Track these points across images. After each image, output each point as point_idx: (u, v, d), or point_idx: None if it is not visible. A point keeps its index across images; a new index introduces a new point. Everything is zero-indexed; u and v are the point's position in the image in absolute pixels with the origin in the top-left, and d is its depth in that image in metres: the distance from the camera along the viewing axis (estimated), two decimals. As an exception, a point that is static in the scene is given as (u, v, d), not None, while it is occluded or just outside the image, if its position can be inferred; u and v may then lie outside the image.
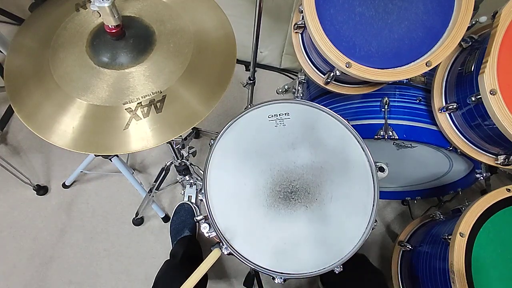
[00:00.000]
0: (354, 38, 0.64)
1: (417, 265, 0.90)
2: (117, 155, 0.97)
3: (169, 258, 1.01)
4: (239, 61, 1.46)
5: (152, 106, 0.53)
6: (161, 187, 1.11)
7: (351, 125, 0.67)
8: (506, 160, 0.73)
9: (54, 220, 1.18)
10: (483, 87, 0.61)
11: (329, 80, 0.74)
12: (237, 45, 0.62)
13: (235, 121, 0.68)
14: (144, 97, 0.53)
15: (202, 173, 0.64)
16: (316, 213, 0.62)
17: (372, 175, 0.64)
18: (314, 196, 0.63)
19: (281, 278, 0.60)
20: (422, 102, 0.82)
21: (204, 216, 0.65)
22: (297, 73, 1.24)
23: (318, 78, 0.78)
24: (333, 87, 0.78)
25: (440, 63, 0.71)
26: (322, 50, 0.63)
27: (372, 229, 0.61)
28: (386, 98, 0.82)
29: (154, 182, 1.08)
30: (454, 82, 0.74)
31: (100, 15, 0.50)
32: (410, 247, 0.95)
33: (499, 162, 0.74)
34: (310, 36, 0.64)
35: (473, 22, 0.66)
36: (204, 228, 0.63)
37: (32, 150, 1.28)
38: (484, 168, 0.88)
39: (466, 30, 0.62)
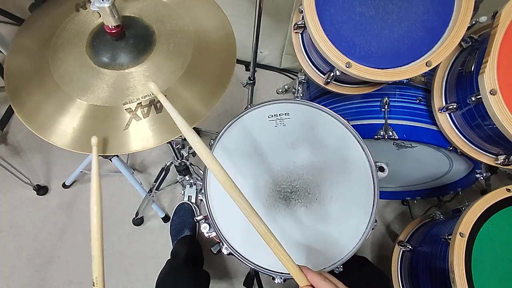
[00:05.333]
0: (354, 38, 0.64)
1: (417, 265, 0.90)
2: (117, 155, 0.97)
3: (170, 258, 1.01)
4: (239, 61, 1.46)
5: (152, 106, 0.53)
6: (161, 187, 1.11)
7: (351, 125, 0.67)
8: (506, 160, 0.73)
9: (54, 220, 1.18)
10: (483, 87, 0.61)
11: (329, 80, 0.74)
12: (237, 45, 0.62)
13: (235, 121, 0.68)
14: (144, 97, 0.53)
15: (202, 173, 0.64)
16: (316, 213, 0.62)
17: (372, 175, 0.64)
18: (314, 196, 0.63)
19: (281, 278, 0.60)
20: (422, 102, 0.82)
21: (204, 216, 0.65)
22: (297, 73, 1.25)
23: (318, 78, 0.78)
24: (333, 87, 0.78)
25: (440, 63, 0.71)
26: (322, 50, 0.63)
27: (372, 229, 0.61)
28: (386, 98, 0.82)
29: (154, 182, 1.08)
30: (454, 82, 0.74)
31: (100, 15, 0.50)
32: (410, 247, 0.95)
33: (499, 162, 0.74)
34: (310, 36, 0.64)
35: (473, 22, 0.66)
36: (204, 228, 0.63)
37: (32, 150, 1.28)
38: (484, 168, 0.88)
39: (466, 30, 0.62)
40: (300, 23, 0.71)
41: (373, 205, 0.62)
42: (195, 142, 0.43)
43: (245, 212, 0.44)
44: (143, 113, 0.52)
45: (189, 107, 0.54)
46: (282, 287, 1.12)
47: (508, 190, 0.69)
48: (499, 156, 0.74)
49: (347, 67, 0.62)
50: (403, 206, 1.27)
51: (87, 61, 0.55)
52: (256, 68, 0.99)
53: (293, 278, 0.43)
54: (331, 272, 0.60)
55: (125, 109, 0.52)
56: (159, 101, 0.53)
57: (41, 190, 1.20)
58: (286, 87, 1.07)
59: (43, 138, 0.51)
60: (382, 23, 0.64)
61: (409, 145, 0.84)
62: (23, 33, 0.60)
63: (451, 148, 0.78)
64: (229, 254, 0.61)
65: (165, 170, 1.08)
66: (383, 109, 0.82)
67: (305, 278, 0.41)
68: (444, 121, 0.76)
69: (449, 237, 0.69)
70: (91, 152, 0.50)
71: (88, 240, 0.47)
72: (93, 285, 0.46)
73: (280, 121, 0.68)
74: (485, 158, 0.76)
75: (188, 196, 1.21)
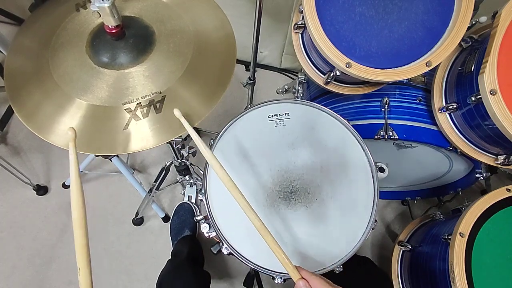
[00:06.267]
0: (354, 38, 0.64)
1: (417, 265, 0.90)
2: (117, 155, 0.97)
3: (170, 258, 1.01)
4: (239, 61, 1.46)
5: (152, 106, 0.53)
6: (161, 187, 1.11)
7: (351, 125, 0.67)
8: (506, 160, 0.73)
9: (54, 220, 1.18)
10: (483, 87, 0.61)
11: (329, 80, 0.74)
12: (237, 45, 0.62)
13: (235, 121, 0.68)
14: (144, 98, 0.53)
15: (202, 173, 0.64)
16: (316, 213, 0.62)
17: (372, 175, 0.64)
18: (314, 196, 0.63)
19: (281, 278, 0.60)
20: (422, 102, 0.82)
21: (204, 216, 0.65)
22: (297, 73, 1.25)
23: (318, 78, 0.78)
24: (333, 87, 0.78)
25: (440, 63, 0.71)
26: (322, 50, 0.63)
27: (372, 229, 0.61)
28: (386, 98, 0.82)
29: (154, 182, 1.08)
30: (454, 82, 0.74)
31: (100, 15, 0.50)
32: (410, 247, 0.95)
33: (499, 162, 0.74)
34: (310, 36, 0.64)
35: (473, 22, 0.66)
36: (204, 228, 0.63)
37: (32, 150, 1.28)
38: (484, 168, 0.88)
39: (466, 30, 0.62)
40: (300, 23, 0.71)
41: (373, 205, 0.62)
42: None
43: (244, 208, 0.47)
44: (143, 113, 0.52)
45: (189, 107, 0.54)
46: (282, 287, 1.13)
47: (508, 190, 0.69)
48: (499, 156, 0.74)
49: (347, 67, 0.62)
50: (403, 206, 1.27)
51: (87, 61, 0.55)
52: (256, 68, 0.99)
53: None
54: (331, 272, 0.60)
55: (125, 109, 0.52)
56: (158, 101, 0.53)
57: (41, 190, 1.20)
58: (286, 87, 1.07)
59: (42, 138, 0.51)
60: (382, 23, 0.64)
61: (409, 145, 0.84)
62: (23, 33, 0.60)
63: (451, 148, 0.78)
64: (229, 254, 0.61)
65: (165, 170, 1.08)
66: (383, 109, 0.82)
67: (299, 273, 0.45)
68: (444, 121, 0.76)
69: (449, 237, 0.69)
70: (96, 152, 0.50)
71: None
72: None
73: (280, 121, 0.68)
74: (485, 158, 0.76)
75: (188, 196, 1.21)
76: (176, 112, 0.51)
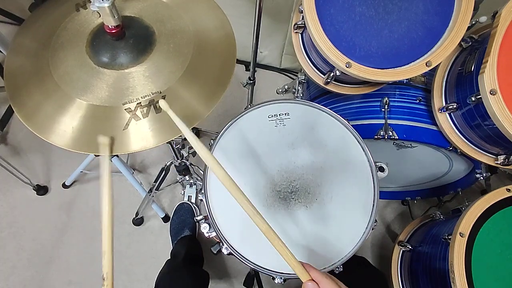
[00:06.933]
0: (354, 38, 0.64)
1: (417, 265, 0.90)
2: (117, 155, 0.97)
3: (169, 258, 1.01)
4: (239, 61, 1.46)
5: (152, 106, 0.53)
6: (161, 187, 1.11)
7: (351, 125, 0.67)
8: (506, 160, 0.73)
9: (54, 220, 1.18)
10: (483, 87, 0.61)
11: (329, 80, 0.74)
12: (237, 45, 0.62)
13: (235, 121, 0.68)
14: (144, 98, 0.53)
15: (202, 173, 0.64)
16: (316, 213, 0.62)
17: (372, 175, 0.64)
18: (314, 196, 0.63)
19: (281, 278, 0.60)
20: (422, 102, 0.82)
21: (204, 216, 0.65)
22: (297, 73, 1.25)
23: (318, 78, 0.78)
24: (333, 87, 0.78)
25: (440, 63, 0.71)
26: (322, 50, 0.63)
27: (372, 229, 0.61)
28: (386, 98, 0.82)
29: (154, 182, 1.08)
30: (454, 82, 0.74)
31: (100, 15, 0.50)
32: (410, 247, 0.95)
33: (499, 162, 0.74)
34: (310, 36, 0.64)
35: (473, 22, 0.66)
36: (204, 228, 0.63)
37: (32, 150, 1.28)
38: (484, 168, 0.88)
39: (466, 30, 0.62)
40: (300, 23, 0.71)
41: (373, 205, 0.62)
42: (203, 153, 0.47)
43: (248, 212, 0.45)
44: (143, 113, 0.52)
45: (189, 107, 0.54)
46: (282, 287, 1.13)
47: (508, 190, 0.69)
48: (499, 156, 0.74)
49: (347, 67, 0.62)
50: (403, 206, 1.27)
51: (87, 61, 0.55)
52: (256, 68, 0.99)
53: (293, 278, 0.44)
54: (331, 272, 0.60)
55: (125, 109, 0.52)
56: (158, 101, 0.53)
57: (41, 190, 1.20)
58: (286, 87, 1.07)
59: (43, 138, 0.51)
60: (382, 23, 0.64)
61: (409, 145, 0.84)
62: (23, 33, 0.60)
63: (451, 148, 0.78)
64: (229, 254, 0.61)
65: (165, 170, 1.08)
66: (383, 109, 0.82)
67: (307, 273, 0.43)
68: (444, 121, 0.76)
69: (449, 237, 0.69)
70: (96, 152, 0.50)
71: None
72: (103, 280, 0.47)
73: (280, 121, 0.68)
74: (485, 158, 0.76)
75: (188, 196, 1.21)
76: (163, 105, 0.49)
